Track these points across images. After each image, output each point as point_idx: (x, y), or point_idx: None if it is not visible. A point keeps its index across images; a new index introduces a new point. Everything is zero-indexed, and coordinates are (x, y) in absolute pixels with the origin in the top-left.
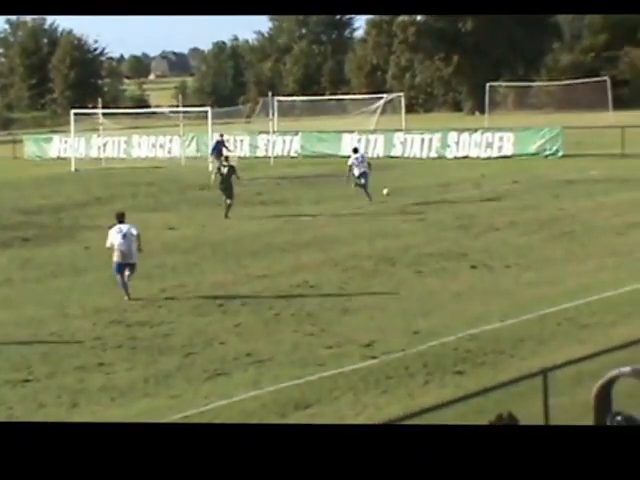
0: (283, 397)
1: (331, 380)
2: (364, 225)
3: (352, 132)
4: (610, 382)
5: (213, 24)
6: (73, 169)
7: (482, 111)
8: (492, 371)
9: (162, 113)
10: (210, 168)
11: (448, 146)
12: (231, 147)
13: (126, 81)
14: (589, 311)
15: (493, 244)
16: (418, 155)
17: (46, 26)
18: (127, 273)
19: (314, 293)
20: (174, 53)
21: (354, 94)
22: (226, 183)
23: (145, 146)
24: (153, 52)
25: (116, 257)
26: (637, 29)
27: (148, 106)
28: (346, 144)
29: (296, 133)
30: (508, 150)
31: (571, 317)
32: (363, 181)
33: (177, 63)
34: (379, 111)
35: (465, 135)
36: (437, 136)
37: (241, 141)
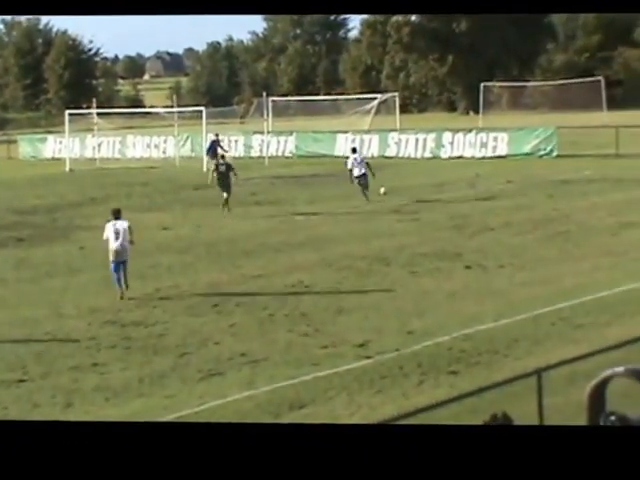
0: (277, 397)
1: (325, 380)
2: (358, 225)
3: (346, 132)
4: (604, 382)
5: (208, 24)
6: (68, 169)
7: (476, 111)
8: (486, 371)
9: (157, 113)
10: (205, 168)
11: (442, 146)
12: (226, 147)
13: (121, 81)
14: (583, 311)
15: (487, 244)
16: (412, 155)
17: (41, 26)
18: (122, 272)
19: (308, 293)
20: (168, 53)
21: (348, 94)
22: (224, 180)
23: (140, 146)
24: (148, 52)
25: (111, 256)
26: (631, 29)
27: (143, 106)
28: (340, 144)
29: (291, 133)
30: (502, 150)
31: (565, 317)
32: (363, 182)
33: (172, 63)
34: (373, 111)
35: (459, 135)
36: (431, 136)
37: (235, 141)
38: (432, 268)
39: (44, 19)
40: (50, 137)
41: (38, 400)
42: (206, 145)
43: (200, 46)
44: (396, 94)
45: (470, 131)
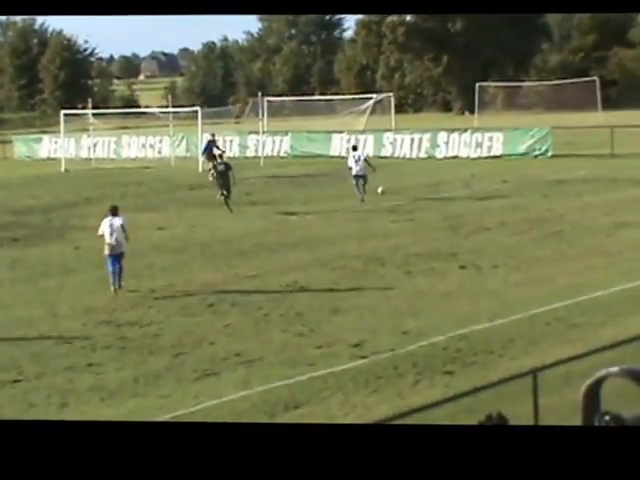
0: (273, 397)
1: (321, 380)
2: (353, 225)
3: (342, 132)
4: (598, 382)
5: (203, 24)
6: (63, 169)
7: (471, 111)
8: (482, 371)
9: (152, 113)
10: (200, 169)
11: (438, 146)
12: (221, 147)
13: (116, 81)
14: (578, 311)
15: (482, 244)
16: (408, 155)
17: (36, 26)
18: (118, 268)
19: (303, 293)
20: (164, 53)
21: (344, 94)
22: (223, 180)
23: (135, 146)
24: (143, 52)
25: (106, 250)
26: (625, 29)
27: (138, 106)
28: (336, 144)
29: (286, 133)
30: (497, 150)
31: (560, 317)
32: (362, 180)
33: (167, 63)
34: (369, 111)
35: (455, 135)
36: (427, 136)
37: (231, 141)
38: (427, 268)
39: (39, 19)
40: (45, 137)
41: (33, 400)
42: (202, 145)
43: (195, 46)
44: (391, 94)
45: (465, 131)
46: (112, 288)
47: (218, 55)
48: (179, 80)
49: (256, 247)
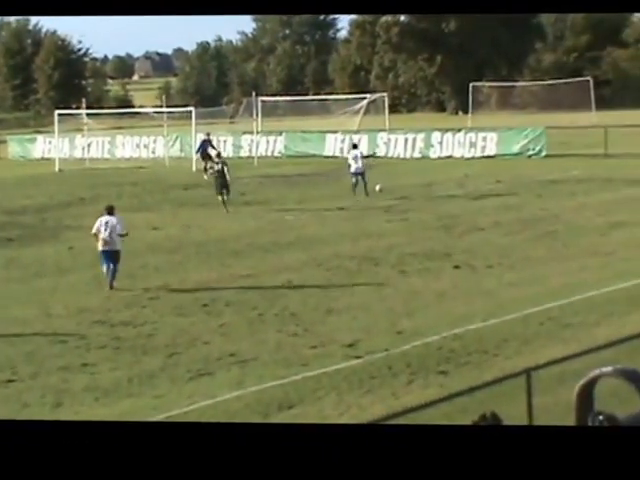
0: (267, 397)
1: (315, 380)
2: (347, 225)
3: (336, 132)
4: (592, 382)
5: (197, 24)
6: (57, 169)
7: (465, 111)
8: (476, 371)
9: (146, 113)
10: (194, 169)
11: (432, 146)
12: (216, 147)
13: (110, 81)
14: (572, 311)
15: (476, 244)
16: (402, 155)
17: (30, 27)
18: (112, 266)
19: (298, 293)
20: (158, 53)
21: (338, 94)
22: (221, 179)
23: (129, 146)
24: (137, 52)
25: (100, 246)
26: (619, 29)
27: (132, 106)
28: (330, 144)
29: (280, 133)
30: (491, 150)
31: (554, 317)
32: (362, 178)
33: (161, 63)
34: (362, 111)
35: (448, 135)
36: (421, 136)
37: (225, 141)
38: (421, 268)
39: (33, 19)
40: (39, 137)
41: (27, 400)
42: (196, 145)
43: (189, 46)
44: (385, 94)
45: (459, 131)
46: (108, 285)
47: (212, 55)
48: (173, 80)
49: (250, 247)
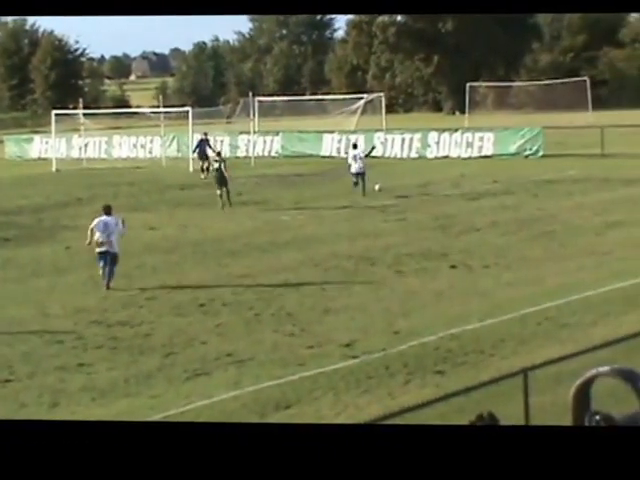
0: (263, 397)
1: (311, 380)
2: (344, 225)
3: (333, 132)
4: (588, 382)
5: (194, 24)
6: (54, 169)
7: (462, 111)
8: (472, 371)
9: (143, 113)
10: (191, 169)
11: (428, 146)
12: (213, 146)
13: (107, 81)
14: (569, 311)
15: (473, 244)
16: (399, 155)
17: (27, 27)
18: (108, 266)
19: (295, 293)
20: (155, 53)
21: (334, 94)
22: (221, 177)
23: (126, 146)
24: (134, 52)
25: (96, 247)
26: (616, 29)
27: (129, 106)
28: (327, 144)
29: (277, 133)
30: (488, 150)
31: (551, 317)
32: (362, 178)
33: (158, 63)
34: (359, 111)
35: (445, 135)
36: (417, 136)
37: (221, 141)
38: (418, 268)
39: (30, 19)
40: (36, 137)
41: (24, 400)
42: (193, 145)
43: (186, 46)
44: (382, 94)
45: (456, 131)
46: (104, 288)
47: (209, 55)
48: (170, 80)
49: (247, 247)
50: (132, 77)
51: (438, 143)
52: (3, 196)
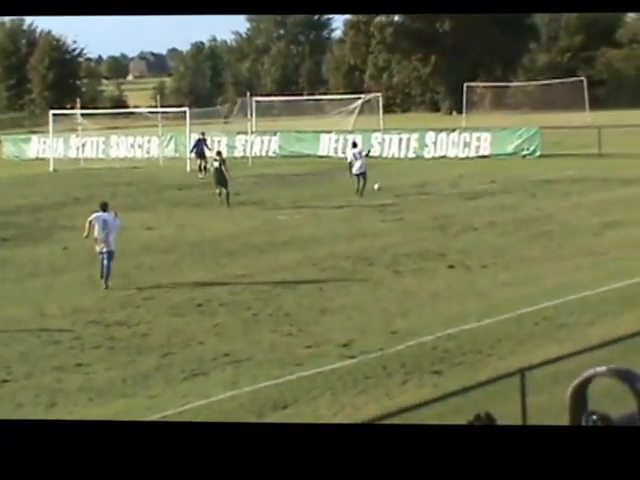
0: (261, 397)
1: (309, 380)
2: (342, 225)
3: (330, 132)
4: (585, 382)
5: (191, 25)
6: (52, 169)
7: (460, 111)
8: (470, 371)
9: (140, 113)
10: (188, 169)
11: (426, 146)
12: (210, 147)
13: (104, 82)
14: (567, 311)
15: (471, 244)
16: (396, 155)
17: (25, 27)
18: (106, 262)
19: (292, 293)
20: (152, 54)
21: (332, 94)
22: (220, 176)
23: (123, 146)
24: (131, 53)
25: (96, 245)
26: (613, 29)
27: (126, 107)
28: (324, 144)
29: (274, 133)
30: (486, 150)
31: (549, 317)
32: (362, 178)
33: (155, 64)
34: (357, 111)
35: (443, 135)
36: (415, 136)
37: (219, 142)
38: (416, 268)
39: (28, 19)
40: (34, 137)
41: (22, 400)
42: (191, 144)
43: (184, 46)
44: (379, 94)
45: (453, 131)
46: (103, 287)
47: (206, 55)
48: (167, 80)
49: (245, 247)
50: (130, 77)
51: (435, 143)
52: (1, 196)
